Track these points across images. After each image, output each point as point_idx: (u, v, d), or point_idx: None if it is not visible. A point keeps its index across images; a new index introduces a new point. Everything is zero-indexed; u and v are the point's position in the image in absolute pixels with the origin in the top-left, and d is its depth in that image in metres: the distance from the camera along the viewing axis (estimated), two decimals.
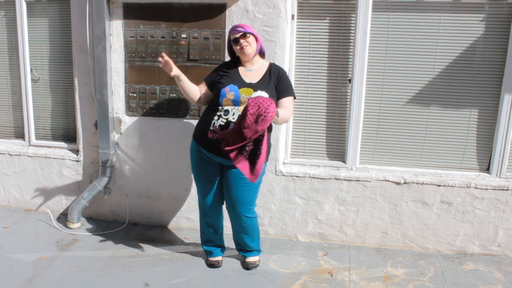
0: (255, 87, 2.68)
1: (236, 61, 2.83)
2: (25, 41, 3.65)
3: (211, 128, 2.68)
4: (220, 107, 2.69)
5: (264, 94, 2.65)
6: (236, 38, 2.69)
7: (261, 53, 2.82)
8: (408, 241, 3.29)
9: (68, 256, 3.12)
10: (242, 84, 2.70)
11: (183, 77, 2.72)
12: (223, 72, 2.78)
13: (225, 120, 2.65)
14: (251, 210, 2.87)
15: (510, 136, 3.09)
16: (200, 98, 2.85)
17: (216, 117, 2.68)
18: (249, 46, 2.70)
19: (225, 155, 2.55)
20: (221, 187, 2.86)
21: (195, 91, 2.81)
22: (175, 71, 2.66)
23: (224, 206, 2.95)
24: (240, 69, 2.79)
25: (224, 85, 2.70)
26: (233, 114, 2.65)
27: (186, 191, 3.51)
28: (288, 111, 2.69)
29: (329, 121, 3.31)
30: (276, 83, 2.73)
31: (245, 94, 2.65)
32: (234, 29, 2.71)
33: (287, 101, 2.73)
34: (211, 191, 2.86)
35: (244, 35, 2.68)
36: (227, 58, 2.98)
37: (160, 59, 2.63)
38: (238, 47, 2.70)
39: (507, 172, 3.16)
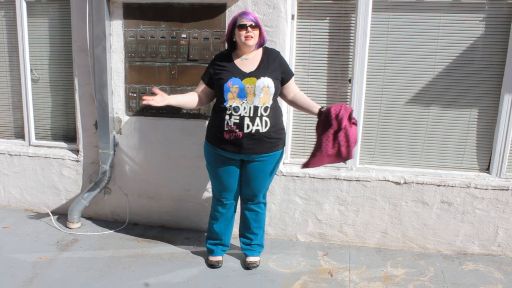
0: (256, 75, 2.66)
1: (229, 51, 2.78)
2: (25, 41, 3.65)
3: (225, 128, 2.67)
4: (227, 105, 2.65)
5: (267, 80, 2.65)
6: (244, 25, 2.63)
7: (262, 45, 2.79)
8: (408, 241, 3.29)
9: (68, 256, 3.12)
10: (243, 75, 2.66)
11: (174, 101, 2.73)
12: (219, 66, 2.73)
13: (238, 117, 2.64)
14: (265, 195, 2.98)
15: (510, 136, 3.10)
16: (200, 99, 2.84)
17: (227, 116, 2.66)
18: (254, 39, 2.66)
19: (246, 151, 2.68)
20: (240, 181, 2.89)
21: (190, 101, 2.80)
22: (164, 101, 2.66)
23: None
24: (236, 59, 2.74)
25: (226, 80, 2.66)
26: (244, 108, 2.64)
27: (186, 191, 3.51)
28: (301, 92, 2.83)
29: None
30: (279, 66, 2.73)
31: (249, 84, 2.63)
32: (244, 14, 2.67)
33: (292, 83, 2.82)
34: (231, 188, 2.88)
35: (252, 25, 2.64)
36: None
37: (147, 98, 2.59)
38: (244, 33, 2.63)
39: (507, 172, 3.16)
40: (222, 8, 3.17)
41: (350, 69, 3.20)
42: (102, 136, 3.46)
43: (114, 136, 3.52)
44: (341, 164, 3.31)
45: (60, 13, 3.56)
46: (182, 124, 3.40)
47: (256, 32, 2.67)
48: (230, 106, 2.65)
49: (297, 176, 3.31)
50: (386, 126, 3.26)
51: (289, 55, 3.22)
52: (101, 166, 3.51)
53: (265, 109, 2.66)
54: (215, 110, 2.77)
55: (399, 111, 3.22)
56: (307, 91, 3.27)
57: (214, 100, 2.85)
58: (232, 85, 2.64)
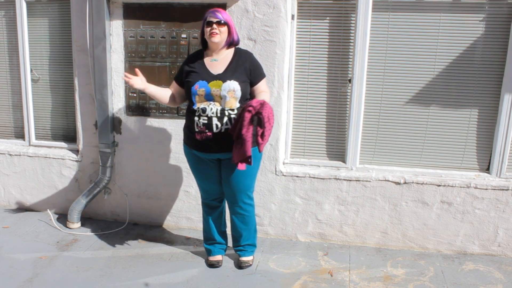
0: (223, 77, 2.66)
1: (203, 49, 2.79)
2: (25, 41, 3.65)
3: (196, 130, 2.68)
4: (196, 107, 2.67)
5: (233, 83, 2.64)
6: (211, 22, 2.64)
7: (233, 44, 2.77)
8: (408, 241, 3.29)
9: (68, 256, 3.12)
10: (210, 77, 2.67)
11: (151, 90, 2.77)
12: (189, 67, 2.74)
13: (206, 118, 2.65)
14: (250, 197, 2.90)
15: (510, 136, 3.09)
16: (174, 98, 2.85)
17: (196, 118, 2.68)
18: (219, 35, 2.65)
19: (218, 150, 2.68)
20: (221, 181, 2.87)
21: (164, 96, 2.82)
22: (141, 86, 2.72)
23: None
24: (206, 60, 2.74)
25: (193, 83, 2.67)
26: (211, 109, 2.64)
27: (186, 191, 3.52)
28: (267, 94, 2.75)
29: (329, 121, 3.31)
30: (248, 68, 2.71)
31: (215, 87, 2.64)
32: (212, 12, 2.66)
33: (262, 84, 2.79)
34: (212, 187, 2.89)
35: (219, 23, 2.64)
36: None
37: (126, 79, 2.68)
38: (208, 30, 2.65)
39: (507, 172, 3.16)
40: (222, 8, 3.16)
41: (350, 69, 3.20)
42: (102, 136, 3.46)
43: (114, 136, 3.52)
44: (341, 164, 3.32)
45: (60, 13, 3.56)
46: (182, 124, 3.39)
47: (223, 29, 2.66)
48: (198, 108, 2.67)
49: (297, 176, 3.31)
50: (386, 126, 3.26)
51: (289, 55, 3.22)
52: (101, 166, 3.51)
53: (232, 110, 2.66)
54: (187, 112, 2.78)
55: (399, 111, 3.22)
56: (307, 91, 3.28)
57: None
58: (199, 88, 2.66)
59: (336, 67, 3.23)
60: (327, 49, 3.21)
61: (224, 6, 3.16)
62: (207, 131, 2.65)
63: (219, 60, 2.73)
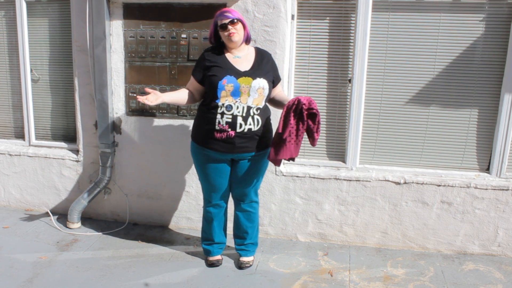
0: (252, 75, 2.63)
1: (220, 47, 2.73)
2: (25, 41, 3.65)
3: (217, 128, 2.63)
4: (219, 103, 2.61)
5: (263, 81, 2.63)
6: (224, 24, 2.61)
7: (248, 39, 2.76)
8: (408, 241, 3.29)
9: (68, 256, 3.12)
10: (237, 73, 2.63)
11: (168, 99, 2.67)
12: (210, 63, 2.67)
13: (230, 116, 2.60)
14: (257, 194, 2.95)
15: (510, 136, 3.10)
16: (192, 96, 2.79)
17: (219, 115, 2.62)
18: (237, 34, 2.62)
19: (238, 150, 2.66)
20: (230, 181, 2.87)
21: (182, 98, 2.75)
22: (158, 99, 2.59)
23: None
24: (228, 56, 2.69)
25: (220, 78, 2.61)
26: (237, 107, 2.61)
27: (186, 191, 3.52)
28: (285, 93, 2.85)
29: (329, 121, 3.32)
30: (272, 69, 2.73)
31: (244, 83, 2.60)
32: (222, 14, 2.62)
33: (280, 85, 2.87)
34: (221, 188, 2.86)
35: (232, 22, 2.61)
36: None
37: (141, 98, 2.53)
38: (226, 33, 2.62)
39: (507, 172, 3.16)
40: (222, 8, 3.16)
41: (350, 69, 3.20)
42: (102, 136, 3.46)
43: (114, 136, 3.52)
44: (341, 164, 3.32)
45: (60, 13, 3.57)
46: (182, 124, 3.40)
47: (238, 26, 2.63)
48: (223, 104, 2.61)
49: (297, 176, 3.31)
50: (386, 126, 3.26)
51: (289, 55, 3.22)
52: (101, 166, 3.51)
53: (257, 109, 2.65)
54: (204, 108, 2.71)
55: (399, 111, 3.22)
56: (307, 91, 3.28)
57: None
58: (227, 83, 2.60)
59: (336, 67, 3.23)
60: (327, 49, 3.21)
61: (224, 6, 3.15)
62: (230, 129, 2.62)
63: (242, 57, 2.70)
